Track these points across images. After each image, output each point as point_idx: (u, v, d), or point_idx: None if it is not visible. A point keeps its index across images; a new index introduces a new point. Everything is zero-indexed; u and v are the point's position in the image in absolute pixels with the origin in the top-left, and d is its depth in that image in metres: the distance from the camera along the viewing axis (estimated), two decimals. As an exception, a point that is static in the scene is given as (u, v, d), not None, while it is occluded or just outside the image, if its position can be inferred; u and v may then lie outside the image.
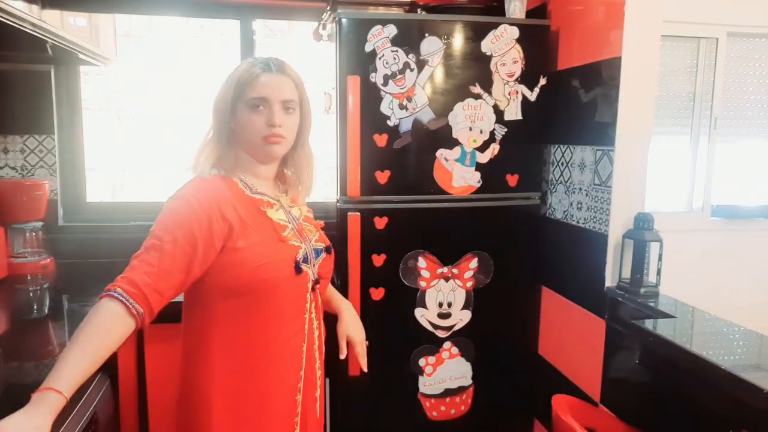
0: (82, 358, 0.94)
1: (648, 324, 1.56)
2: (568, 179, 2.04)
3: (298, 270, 1.17)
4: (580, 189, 1.96)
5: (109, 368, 1.52)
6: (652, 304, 1.68)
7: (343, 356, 1.40)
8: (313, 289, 1.24)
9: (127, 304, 0.99)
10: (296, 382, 1.21)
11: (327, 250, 1.29)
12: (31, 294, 1.99)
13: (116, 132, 2.51)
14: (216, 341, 1.14)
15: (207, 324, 1.14)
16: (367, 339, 1.55)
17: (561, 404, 1.50)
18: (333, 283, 2.10)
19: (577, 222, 1.98)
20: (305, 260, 1.20)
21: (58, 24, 1.75)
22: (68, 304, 1.92)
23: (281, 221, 1.19)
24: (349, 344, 1.42)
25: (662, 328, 1.53)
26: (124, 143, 2.49)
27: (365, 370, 1.44)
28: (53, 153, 2.25)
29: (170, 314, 1.17)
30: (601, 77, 1.83)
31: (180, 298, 1.16)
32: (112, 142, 2.47)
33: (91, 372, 0.96)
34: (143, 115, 2.51)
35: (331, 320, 1.45)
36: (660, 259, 1.75)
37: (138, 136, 2.48)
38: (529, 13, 2.11)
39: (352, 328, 1.43)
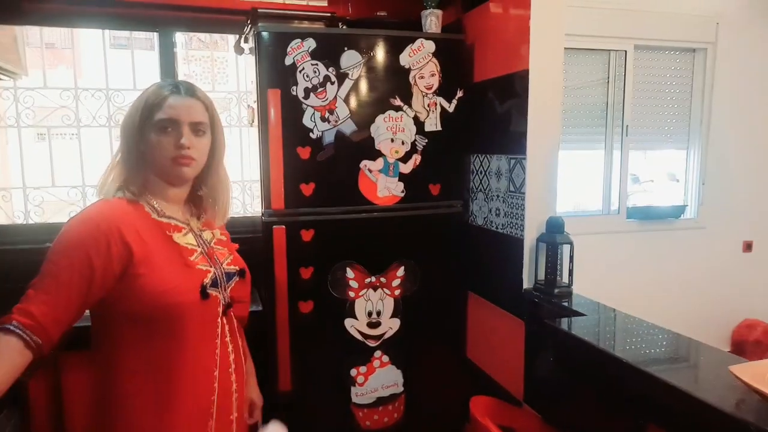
0: None
1: (560, 323, 1.63)
2: (487, 187, 2.11)
3: (204, 295, 1.14)
4: (498, 196, 2.04)
5: (18, 401, 1.45)
6: (565, 304, 1.76)
7: (251, 422, 1.40)
8: (225, 313, 1.21)
9: (24, 336, 0.97)
10: (209, 407, 1.18)
11: (240, 273, 1.27)
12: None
13: (32, 149, 2.40)
14: (124, 368, 1.10)
15: (115, 351, 1.11)
16: (297, 352, 1.56)
17: (478, 405, 1.54)
18: (261, 297, 2.10)
19: (496, 228, 2.06)
20: (214, 284, 1.17)
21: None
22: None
23: (189, 245, 1.17)
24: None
25: (574, 327, 1.60)
26: (41, 161, 2.38)
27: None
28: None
29: (88, 341, 1.14)
30: (513, 89, 1.92)
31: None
32: (27, 160, 2.35)
33: None
34: (62, 131, 2.41)
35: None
36: (571, 260, 1.85)
37: (55, 153, 2.37)
38: (445, 28, 2.19)
39: (255, 393, 1.44)
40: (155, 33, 2.33)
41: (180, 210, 1.22)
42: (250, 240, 1.90)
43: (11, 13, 2.06)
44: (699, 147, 3.13)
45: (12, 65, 2.05)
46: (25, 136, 2.32)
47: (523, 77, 1.85)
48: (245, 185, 2.57)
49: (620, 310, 1.72)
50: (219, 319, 1.19)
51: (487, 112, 2.08)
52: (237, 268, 1.27)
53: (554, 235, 1.82)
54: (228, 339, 1.22)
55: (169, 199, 1.19)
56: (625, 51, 2.91)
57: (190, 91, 1.17)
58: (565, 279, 1.85)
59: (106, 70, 2.35)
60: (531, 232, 1.88)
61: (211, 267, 1.19)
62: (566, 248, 1.83)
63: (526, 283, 1.91)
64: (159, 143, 1.13)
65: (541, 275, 1.88)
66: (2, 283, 2.04)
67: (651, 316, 1.65)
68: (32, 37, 2.40)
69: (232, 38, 2.52)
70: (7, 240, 2.23)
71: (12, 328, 0.97)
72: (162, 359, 1.11)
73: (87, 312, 1.10)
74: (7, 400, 1.38)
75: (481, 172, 2.16)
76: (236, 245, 1.35)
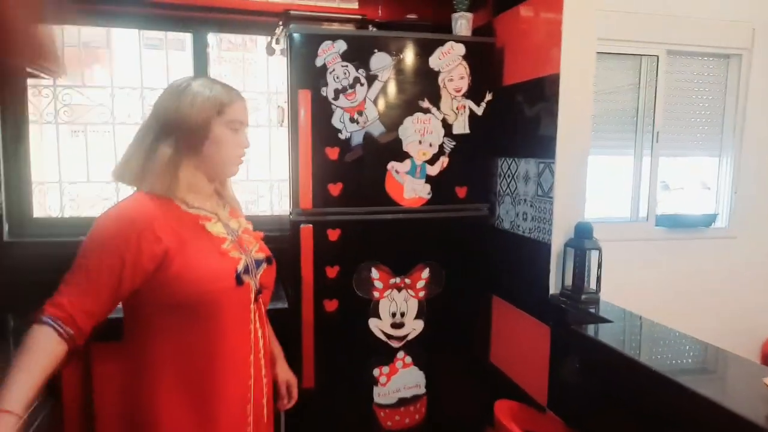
0: (25, 378, 0.98)
1: (587, 329, 1.62)
2: (515, 191, 2.11)
3: (239, 281, 1.17)
4: (525, 200, 2.03)
5: (53, 390, 1.49)
6: (592, 311, 1.75)
7: (290, 405, 1.46)
8: (255, 299, 1.24)
9: (56, 327, 1.02)
10: (246, 392, 1.21)
11: (267, 260, 1.30)
12: (-27, 312, 1.93)
13: (68, 145, 2.47)
14: (159, 358, 1.13)
15: (149, 341, 1.13)
16: (321, 350, 1.57)
17: (503, 409, 1.54)
18: (287, 295, 2.12)
19: (523, 232, 2.05)
20: (246, 271, 1.20)
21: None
22: (13, 322, 1.88)
23: (220, 234, 1.20)
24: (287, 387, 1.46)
25: (600, 333, 1.59)
26: (77, 156, 2.45)
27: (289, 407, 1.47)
28: (-2, 167, 2.20)
29: (118, 332, 1.18)
30: (543, 93, 1.91)
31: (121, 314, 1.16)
32: (63, 156, 2.42)
33: (35, 392, 0.99)
34: (97, 128, 2.48)
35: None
36: (600, 266, 1.83)
37: (91, 150, 2.44)
38: (476, 31, 2.19)
39: (289, 373, 1.49)
40: (188, 34, 2.38)
41: (207, 201, 1.24)
42: (277, 238, 1.92)
43: (52, 12, 2.12)
44: (731, 155, 3.06)
45: (52, 64, 2.12)
46: (62, 132, 2.39)
47: (553, 81, 1.85)
48: (273, 184, 2.60)
49: (647, 318, 1.69)
50: (251, 305, 1.23)
51: (516, 116, 2.07)
52: (264, 255, 1.30)
53: (582, 240, 1.80)
54: (258, 325, 1.26)
55: (200, 192, 1.22)
56: (657, 56, 2.87)
57: (241, 95, 1.25)
58: (593, 285, 1.83)
59: (141, 69, 2.41)
60: (558, 237, 1.87)
61: (242, 254, 1.22)
62: (594, 254, 1.82)
63: (553, 289, 1.89)
64: (229, 141, 1.20)
65: (568, 281, 1.86)
66: (38, 274, 2.11)
67: (679, 325, 1.62)
68: (69, 36, 2.47)
69: (260, 40, 2.57)
70: (43, 232, 2.30)
71: (46, 320, 1.02)
72: (197, 348, 1.14)
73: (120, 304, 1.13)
74: (42, 390, 1.42)
75: (508, 176, 2.15)
76: (261, 233, 1.38)
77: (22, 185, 2.29)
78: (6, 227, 2.26)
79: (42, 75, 2.12)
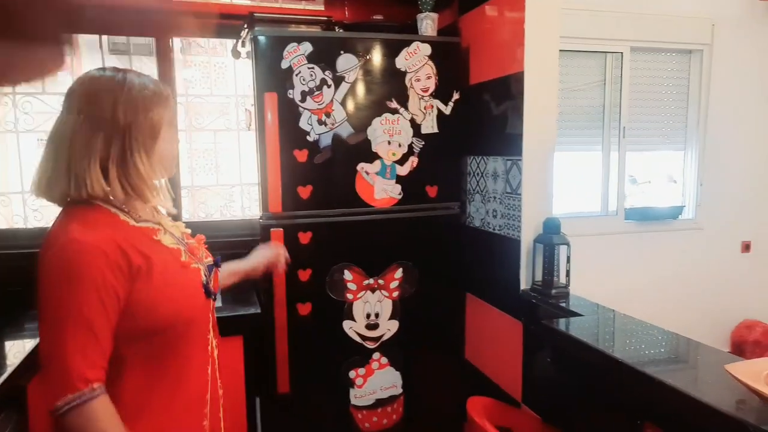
0: None
1: (558, 323, 1.64)
2: (484, 188, 2.12)
3: (208, 293, 1.11)
4: (495, 197, 2.04)
5: (17, 403, 1.45)
6: (563, 305, 1.77)
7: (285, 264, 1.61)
8: (212, 308, 1.19)
9: (103, 389, 0.93)
10: (203, 407, 1.13)
11: (216, 263, 1.23)
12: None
13: (33, 154, 2.41)
14: (124, 388, 1.01)
15: (114, 373, 0.98)
16: (296, 354, 1.53)
17: (476, 406, 1.54)
18: (259, 300, 2.10)
19: (493, 229, 2.06)
20: (207, 281, 1.14)
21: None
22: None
23: (173, 245, 1.10)
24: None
25: (571, 327, 1.61)
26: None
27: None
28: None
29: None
30: (509, 91, 1.93)
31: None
32: (25, 165, 2.36)
33: None
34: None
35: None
36: (568, 261, 1.85)
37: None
38: (441, 31, 2.20)
39: (259, 254, 1.54)
40: (152, 38, 2.34)
41: (147, 210, 1.10)
42: (248, 242, 1.90)
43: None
44: (696, 148, 3.14)
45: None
46: (26, 142, 2.33)
47: (518, 79, 1.86)
48: (243, 188, 2.57)
49: (619, 311, 1.72)
50: (210, 315, 1.17)
51: (484, 115, 2.09)
52: (212, 259, 1.22)
53: (551, 236, 1.82)
54: (212, 334, 1.18)
55: (144, 200, 1.06)
56: (621, 53, 2.92)
57: None
58: (563, 280, 1.86)
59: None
60: (528, 233, 1.89)
61: (198, 264, 1.14)
62: (563, 249, 1.84)
63: (524, 284, 1.91)
64: (173, 137, 1.11)
65: (539, 276, 1.88)
66: (3, 286, 2.05)
67: (650, 316, 1.65)
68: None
69: (228, 43, 2.54)
70: (6, 244, 2.23)
71: (97, 390, 0.92)
72: (164, 370, 1.05)
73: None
74: (6, 403, 1.38)
75: (477, 174, 2.17)
76: (202, 236, 1.27)
77: (-18, 196, 2.22)
78: (-35, 240, 2.19)
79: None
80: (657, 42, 2.98)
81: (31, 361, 1.51)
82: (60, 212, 1.02)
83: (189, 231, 1.23)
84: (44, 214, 2.38)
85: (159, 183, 1.10)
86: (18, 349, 1.61)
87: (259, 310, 2.03)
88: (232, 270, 1.45)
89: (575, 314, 1.69)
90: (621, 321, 1.67)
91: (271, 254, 1.57)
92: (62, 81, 2.54)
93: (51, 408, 0.89)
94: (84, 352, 0.91)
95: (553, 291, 1.82)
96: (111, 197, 1.02)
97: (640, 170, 3.21)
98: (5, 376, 1.39)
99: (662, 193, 3.24)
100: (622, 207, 2.99)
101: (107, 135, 1.00)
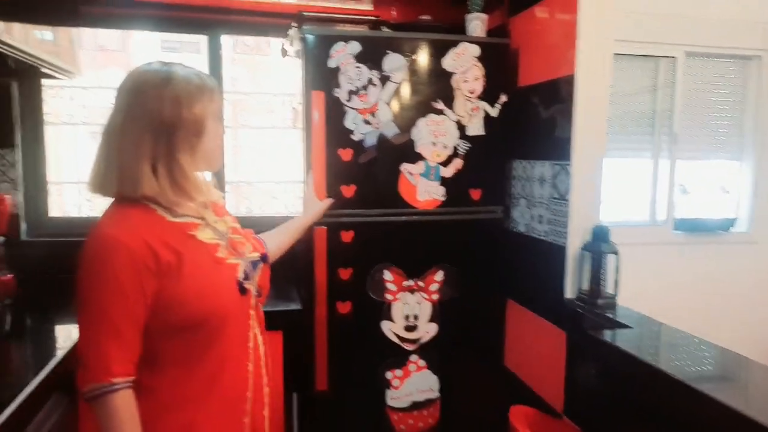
0: None
1: (605, 335, 1.59)
2: (529, 193, 2.08)
3: (242, 290, 1.10)
4: (541, 203, 2.00)
5: (67, 388, 1.49)
6: (609, 315, 1.71)
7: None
8: (254, 303, 1.17)
9: (128, 383, 0.97)
10: (243, 404, 1.13)
11: (263, 259, 1.21)
12: (-10, 311, 1.94)
13: (86, 145, 2.50)
14: (159, 380, 1.04)
15: (149, 366, 1.02)
16: (334, 352, 1.53)
17: (518, 416, 1.51)
18: (300, 296, 2.12)
19: (538, 235, 2.02)
20: (246, 277, 1.13)
21: (22, 38, 1.74)
22: (30, 321, 1.89)
23: (211, 240, 1.10)
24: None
25: (618, 339, 1.56)
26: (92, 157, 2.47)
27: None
28: (16, 167, 2.23)
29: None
30: (558, 94, 1.88)
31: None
32: (80, 156, 2.45)
33: None
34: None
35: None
36: (617, 270, 1.79)
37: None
38: (490, 32, 2.17)
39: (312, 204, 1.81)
40: (204, 36, 2.39)
41: (189, 206, 1.10)
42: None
43: (68, 15, 2.14)
44: (752, 158, 3.00)
45: (69, 64, 2.14)
46: (79, 134, 2.42)
47: (569, 83, 1.82)
48: (288, 186, 2.60)
49: (666, 323, 1.66)
50: (251, 311, 1.16)
51: (531, 118, 2.05)
52: (258, 254, 1.21)
53: (599, 243, 1.77)
54: (257, 331, 1.18)
55: (187, 194, 1.07)
56: (675, 57, 2.82)
57: None
58: (610, 290, 1.80)
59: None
60: (575, 241, 1.84)
61: (238, 259, 1.13)
62: (612, 258, 1.78)
63: (569, 293, 1.86)
64: (219, 132, 1.12)
65: (585, 285, 1.83)
66: (54, 273, 2.13)
67: (698, 330, 1.59)
68: (85, 39, 2.50)
69: (274, 42, 2.57)
70: (60, 232, 2.32)
71: (124, 383, 0.96)
72: (200, 365, 1.06)
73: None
74: (57, 388, 1.42)
75: (523, 178, 2.13)
76: (251, 231, 1.28)
77: (38, 185, 2.32)
78: (24, 227, 2.28)
79: (58, 76, 2.15)
80: (713, 47, 2.86)
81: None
82: (108, 205, 1.06)
83: (237, 225, 1.22)
84: (97, 203, 2.47)
85: (204, 178, 1.11)
86: (68, 335, 1.66)
87: (299, 307, 2.04)
88: (291, 228, 1.62)
89: (623, 326, 1.64)
90: (669, 334, 1.61)
91: (321, 206, 1.85)
92: (115, 76, 2.63)
93: (79, 393, 0.96)
94: (107, 344, 0.94)
95: (600, 301, 1.76)
96: (160, 197, 1.03)
97: (690, 179, 3.09)
98: (56, 361, 1.43)
99: (713, 204, 3.11)
100: (671, 217, 2.89)
101: (154, 133, 1.01)
